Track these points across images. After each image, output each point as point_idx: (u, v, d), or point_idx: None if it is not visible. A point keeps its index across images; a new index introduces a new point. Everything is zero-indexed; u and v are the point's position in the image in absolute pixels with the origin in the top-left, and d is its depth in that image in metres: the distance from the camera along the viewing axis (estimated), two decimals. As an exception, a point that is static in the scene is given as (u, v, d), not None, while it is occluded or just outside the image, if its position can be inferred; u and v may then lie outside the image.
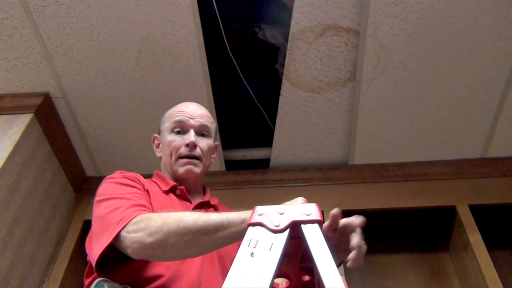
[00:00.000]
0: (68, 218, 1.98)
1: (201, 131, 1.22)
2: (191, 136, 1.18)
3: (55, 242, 1.89)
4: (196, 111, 1.23)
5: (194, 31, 1.66)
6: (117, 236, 0.90)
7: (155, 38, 1.68)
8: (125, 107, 1.88)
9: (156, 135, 1.28)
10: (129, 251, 0.89)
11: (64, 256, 1.86)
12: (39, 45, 1.71)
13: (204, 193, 1.27)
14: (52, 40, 1.70)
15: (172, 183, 1.17)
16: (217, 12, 1.69)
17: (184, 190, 1.18)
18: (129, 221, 0.90)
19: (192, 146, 1.17)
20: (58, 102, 1.87)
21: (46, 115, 1.85)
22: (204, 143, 1.21)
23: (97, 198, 1.03)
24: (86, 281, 1.01)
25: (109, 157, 2.04)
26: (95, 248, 0.94)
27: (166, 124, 1.23)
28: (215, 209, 1.23)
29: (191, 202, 1.18)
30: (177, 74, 1.78)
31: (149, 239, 0.87)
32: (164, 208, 1.06)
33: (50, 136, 1.88)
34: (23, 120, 1.76)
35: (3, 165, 1.60)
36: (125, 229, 0.89)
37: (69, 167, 2.01)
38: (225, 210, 1.26)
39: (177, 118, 1.21)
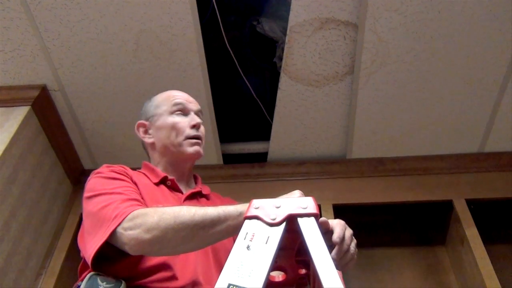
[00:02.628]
0: (65, 211, 1.98)
1: (198, 115, 1.25)
2: (195, 118, 1.22)
3: (52, 235, 1.89)
4: (190, 97, 1.26)
5: (192, 24, 1.65)
6: (113, 233, 0.89)
7: (153, 30, 1.67)
8: (123, 100, 1.87)
9: (142, 121, 1.25)
10: (126, 248, 0.89)
11: (61, 249, 1.86)
12: (36, 37, 1.70)
13: (195, 182, 1.26)
14: (49, 32, 1.69)
15: (163, 174, 1.16)
16: (215, 5, 1.68)
17: (175, 181, 1.17)
18: (125, 217, 0.89)
19: (198, 127, 1.21)
20: (55, 95, 1.87)
21: (43, 108, 1.84)
22: (202, 126, 1.24)
23: (86, 194, 1.02)
24: (81, 277, 1.01)
25: (107, 150, 2.04)
26: (89, 245, 0.93)
27: (163, 108, 1.22)
28: (207, 198, 1.23)
29: (182, 193, 1.18)
30: (175, 67, 1.77)
31: (147, 236, 0.86)
32: (156, 201, 1.06)
33: (47, 128, 1.88)
34: (20, 113, 1.76)
35: (0, 158, 1.59)
36: (121, 225, 0.89)
37: (67, 160, 2.01)
38: (219, 199, 1.26)
39: (177, 101, 1.22)
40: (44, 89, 1.83)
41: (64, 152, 1.99)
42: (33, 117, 1.81)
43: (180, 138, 1.18)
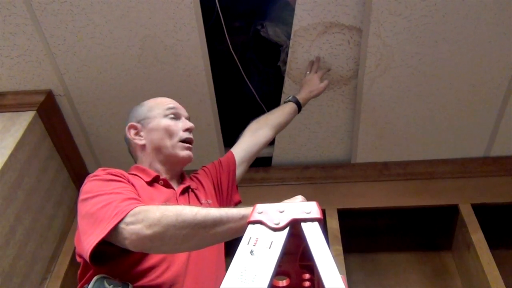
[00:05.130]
0: (70, 216, 1.99)
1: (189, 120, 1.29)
2: (188, 122, 1.25)
3: (57, 239, 1.90)
4: (179, 105, 1.30)
5: (196, 28, 1.66)
6: (114, 229, 0.89)
7: (157, 35, 1.68)
8: (128, 105, 1.85)
9: (133, 123, 1.25)
10: (126, 242, 0.89)
11: (66, 254, 1.86)
12: (41, 42, 1.71)
13: (182, 178, 1.27)
14: (54, 37, 1.70)
15: (154, 173, 1.17)
16: (219, 10, 1.68)
17: (166, 180, 1.18)
18: (127, 213, 0.90)
19: (191, 130, 1.25)
20: (61, 100, 1.88)
21: (49, 113, 1.85)
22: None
23: (82, 196, 1.01)
24: (80, 282, 1.01)
25: (112, 154, 2.05)
26: (86, 243, 0.92)
27: (156, 111, 1.24)
28: (195, 193, 1.24)
29: (175, 190, 1.19)
30: (179, 72, 1.78)
31: (148, 231, 0.87)
32: (152, 199, 1.07)
33: (53, 133, 1.89)
34: (25, 118, 1.77)
35: (6, 163, 1.60)
36: (123, 221, 0.89)
37: (72, 164, 2.02)
38: (199, 180, 1.30)
39: (170, 105, 1.25)
40: (49, 94, 1.84)
41: (69, 156, 1.99)
42: (39, 122, 1.82)
43: (174, 140, 1.21)
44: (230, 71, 1.91)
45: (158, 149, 1.21)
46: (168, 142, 1.20)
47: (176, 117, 1.25)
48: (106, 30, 1.67)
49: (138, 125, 1.24)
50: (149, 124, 1.23)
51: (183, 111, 1.28)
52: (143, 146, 1.23)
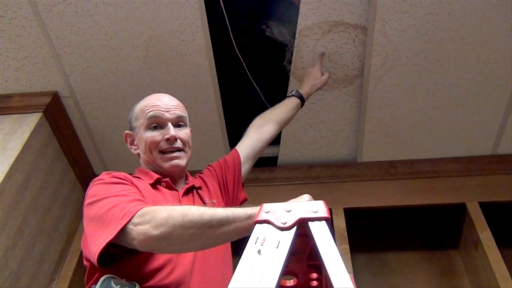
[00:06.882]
0: (77, 216, 1.99)
1: (178, 122, 1.20)
2: (170, 130, 1.16)
3: (64, 240, 1.91)
4: (169, 103, 1.21)
5: (201, 29, 1.66)
6: (123, 230, 0.89)
7: (162, 36, 1.68)
8: (133, 105, 1.88)
9: (128, 132, 1.25)
10: (135, 243, 0.90)
11: (74, 254, 1.87)
12: (47, 44, 1.72)
13: (186, 178, 1.26)
14: (60, 39, 1.70)
15: (156, 176, 1.17)
16: (224, 10, 1.68)
17: (169, 182, 1.18)
18: (134, 214, 0.90)
19: (173, 140, 1.16)
20: (67, 101, 1.89)
21: (55, 114, 1.86)
22: (183, 133, 1.20)
23: (88, 200, 1.02)
24: (87, 284, 1.01)
25: (118, 155, 2.05)
26: (94, 245, 0.93)
27: (140, 121, 1.19)
28: (200, 190, 1.24)
29: (178, 191, 1.19)
30: (184, 72, 1.78)
31: (155, 232, 0.87)
32: (156, 201, 1.07)
33: (59, 135, 1.90)
34: (32, 120, 1.78)
35: (13, 164, 1.61)
36: (131, 222, 0.90)
37: (78, 165, 2.02)
38: (206, 178, 1.29)
39: (151, 114, 1.17)
40: (55, 96, 1.85)
41: (75, 157, 2.00)
42: (45, 123, 1.83)
43: (155, 154, 1.17)
44: (235, 71, 1.91)
45: (146, 161, 1.21)
46: (151, 155, 1.18)
47: (160, 125, 1.18)
48: (111, 31, 1.68)
49: (132, 133, 1.25)
50: (137, 135, 1.22)
51: (169, 114, 1.18)
52: (138, 155, 1.24)
